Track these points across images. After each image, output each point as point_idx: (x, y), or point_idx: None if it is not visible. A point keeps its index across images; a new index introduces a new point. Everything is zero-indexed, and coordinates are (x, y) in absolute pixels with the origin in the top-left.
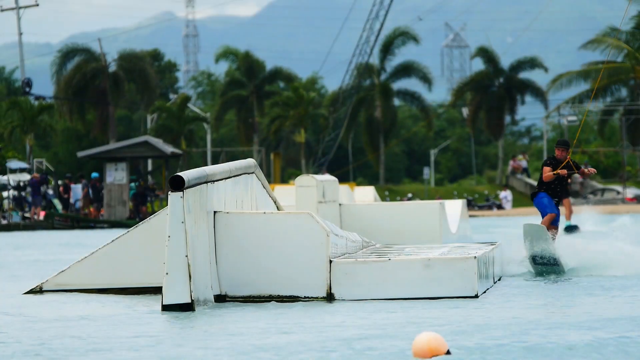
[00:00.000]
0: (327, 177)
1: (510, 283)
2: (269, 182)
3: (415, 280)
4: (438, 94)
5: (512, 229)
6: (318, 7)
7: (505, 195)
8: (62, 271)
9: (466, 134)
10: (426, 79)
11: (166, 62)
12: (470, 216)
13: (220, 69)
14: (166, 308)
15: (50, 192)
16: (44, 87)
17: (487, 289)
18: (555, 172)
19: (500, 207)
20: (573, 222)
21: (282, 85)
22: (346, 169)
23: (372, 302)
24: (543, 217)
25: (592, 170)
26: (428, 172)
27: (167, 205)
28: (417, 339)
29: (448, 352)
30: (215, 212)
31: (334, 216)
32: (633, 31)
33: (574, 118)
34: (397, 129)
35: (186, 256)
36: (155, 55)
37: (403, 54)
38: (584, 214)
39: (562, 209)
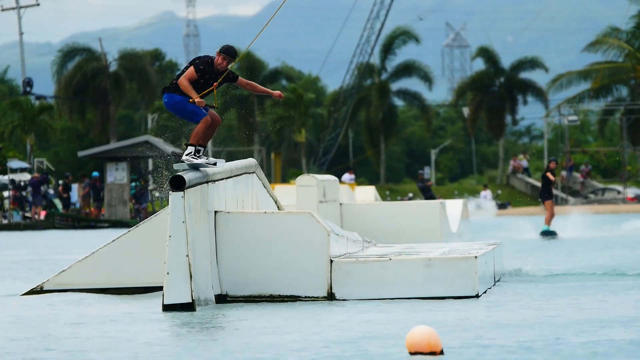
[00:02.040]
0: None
1: (512, 283)
2: (270, 181)
3: (416, 280)
4: (439, 94)
5: (512, 228)
6: (319, 7)
7: (485, 194)
8: (63, 271)
9: (461, 131)
10: (427, 79)
11: (167, 62)
12: (471, 216)
13: None
14: (167, 308)
15: (51, 191)
16: (45, 86)
17: (488, 288)
18: (194, 99)
19: (502, 206)
20: (552, 227)
21: (285, 83)
22: (347, 164)
23: (373, 301)
24: (198, 121)
25: (277, 93)
26: (429, 172)
27: (167, 205)
28: (414, 331)
29: (441, 352)
30: (216, 211)
31: (334, 216)
32: (634, 31)
33: (574, 118)
34: (397, 129)
35: (187, 256)
36: (157, 55)
37: (404, 54)
38: (572, 216)
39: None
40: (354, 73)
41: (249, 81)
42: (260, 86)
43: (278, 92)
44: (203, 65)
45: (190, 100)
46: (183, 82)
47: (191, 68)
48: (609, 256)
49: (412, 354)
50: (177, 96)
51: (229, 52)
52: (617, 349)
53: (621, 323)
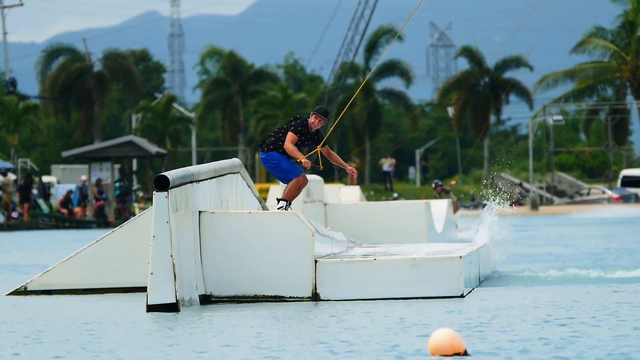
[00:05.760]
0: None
1: (496, 283)
2: (254, 181)
3: (401, 280)
4: (424, 94)
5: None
6: (304, 7)
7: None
8: (47, 271)
9: (454, 136)
10: (409, 79)
11: (154, 63)
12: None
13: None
14: (151, 308)
15: (35, 191)
16: (29, 86)
17: (473, 288)
18: (300, 159)
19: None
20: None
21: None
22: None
23: (358, 302)
24: (286, 183)
25: (353, 171)
26: (414, 172)
27: (151, 205)
28: (436, 334)
29: (466, 353)
30: (200, 211)
31: (319, 216)
32: (619, 30)
33: (559, 117)
34: (382, 128)
35: (171, 256)
36: (144, 56)
37: (388, 53)
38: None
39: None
40: (337, 73)
41: (331, 151)
42: (338, 159)
43: (350, 169)
44: (301, 127)
45: (298, 160)
46: (289, 146)
47: (290, 133)
48: (588, 254)
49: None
50: (275, 154)
51: (321, 112)
52: (600, 348)
53: (603, 323)
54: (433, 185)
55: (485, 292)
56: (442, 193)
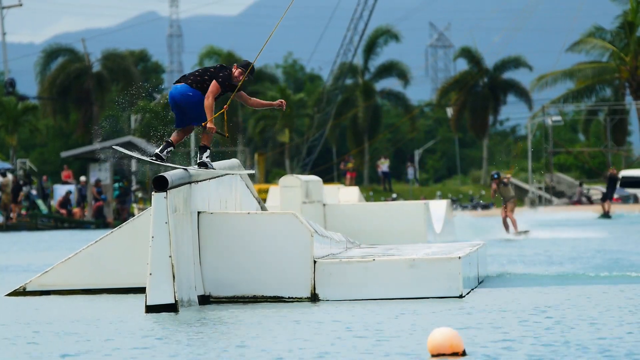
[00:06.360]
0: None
1: (495, 283)
2: (253, 182)
3: (400, 280)
4: (423, 94)
5: (497, 229)
6: (303, 7)
7: None
8: (46, 271)
9: (453, 136)
10: (407, 79)
11: (152, 64)
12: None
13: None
14: (150, 309)
15: (34, 192)
16: (27, 87)
17: (472, 289)
18: (207, 122)
19: (485, 207)
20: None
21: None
22: (330, 164)
23: (357, 302)
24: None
25: (277, 103)
26: (412, 173)
27: (150, 205)
28: (435, 333)
29: (464, 353)
30: (199, 212)
31: (318, 216)
32: (618, 31)
33: (558, 118)
34: (382, 129)
35: (170, 257)
36: (143, 57)
37: (387, 54)
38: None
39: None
40: (335, 73)
41: (246, 96)
42: (259, 100)
43: (278, 101)
44: (227, 80)
45: (203, 124)
46: (209, 101)
47: (215, 83)
48: (587, 255)
49: (434, 356)
50: (200, 94)
51: (248, 67)
52: (600, 349)
53: (603, 323)
54: (490, 176)
55: (484, 292)
56: (500, 185)
